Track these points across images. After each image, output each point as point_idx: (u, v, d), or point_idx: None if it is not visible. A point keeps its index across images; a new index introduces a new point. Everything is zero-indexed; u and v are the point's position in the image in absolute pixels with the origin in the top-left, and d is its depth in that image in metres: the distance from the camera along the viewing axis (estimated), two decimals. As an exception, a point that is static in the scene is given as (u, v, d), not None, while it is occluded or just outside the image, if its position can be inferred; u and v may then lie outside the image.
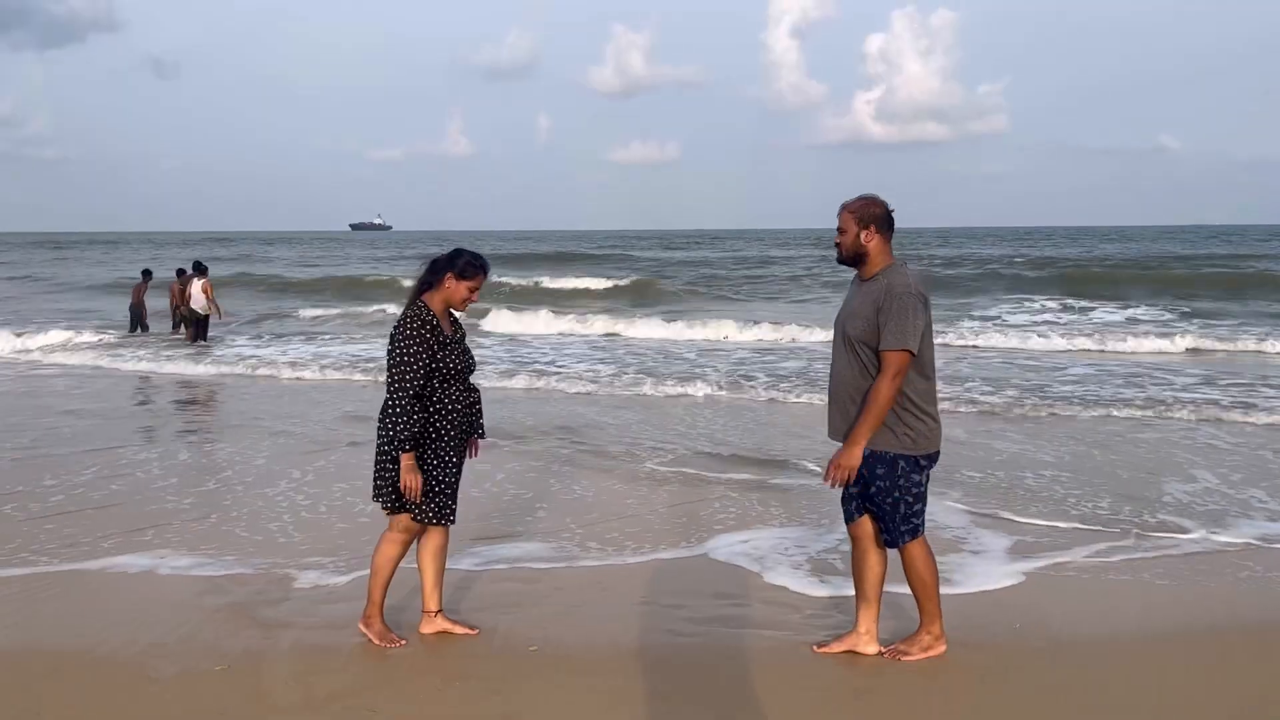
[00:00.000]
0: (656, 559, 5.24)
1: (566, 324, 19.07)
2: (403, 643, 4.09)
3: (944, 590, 4.00)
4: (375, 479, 4.01)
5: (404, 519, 4.01)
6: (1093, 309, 21.88)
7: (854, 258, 3.74)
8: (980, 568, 5.06)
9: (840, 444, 3.77)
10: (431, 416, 3.95)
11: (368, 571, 4.10)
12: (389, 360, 3.88)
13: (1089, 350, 14.87)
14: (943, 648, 3.90)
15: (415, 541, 4.13)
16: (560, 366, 13.24)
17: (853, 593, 4.05)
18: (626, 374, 12.32)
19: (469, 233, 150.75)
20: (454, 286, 3.97)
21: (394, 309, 18.56)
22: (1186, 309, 21.16)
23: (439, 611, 4.19)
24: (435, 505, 4.00)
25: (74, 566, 5.10)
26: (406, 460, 3.85)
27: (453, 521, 4.09)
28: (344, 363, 13.63)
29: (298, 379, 12.58)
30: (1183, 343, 15.00)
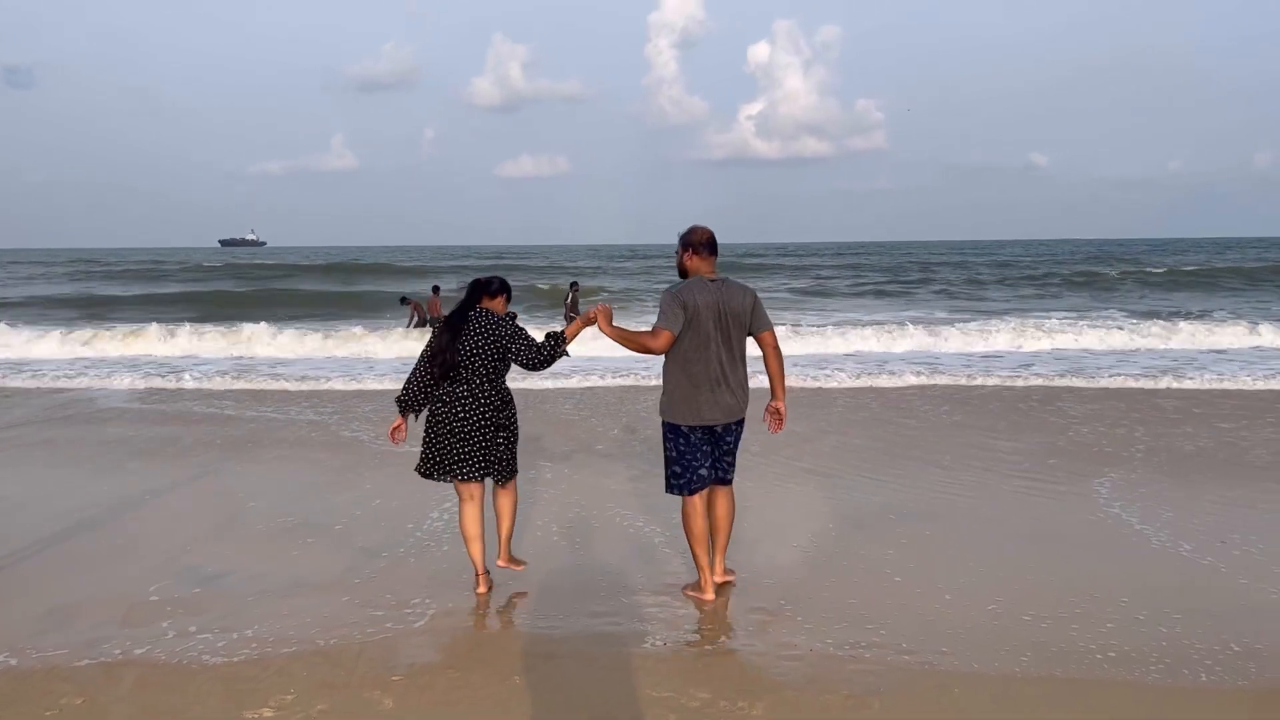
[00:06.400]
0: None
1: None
2: None
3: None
4: (508, 459, 4.72)
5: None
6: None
7: (681, 272, 4.68)
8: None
9: None
10: (505, 394, 4.72)
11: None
12: (519, 347, 4.58)
13: None
14: (709, 596, 4.67)
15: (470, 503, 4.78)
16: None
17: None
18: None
19: (351, 248, 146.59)
20: (499, 305, 4.73)
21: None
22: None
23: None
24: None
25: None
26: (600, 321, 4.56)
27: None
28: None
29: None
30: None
